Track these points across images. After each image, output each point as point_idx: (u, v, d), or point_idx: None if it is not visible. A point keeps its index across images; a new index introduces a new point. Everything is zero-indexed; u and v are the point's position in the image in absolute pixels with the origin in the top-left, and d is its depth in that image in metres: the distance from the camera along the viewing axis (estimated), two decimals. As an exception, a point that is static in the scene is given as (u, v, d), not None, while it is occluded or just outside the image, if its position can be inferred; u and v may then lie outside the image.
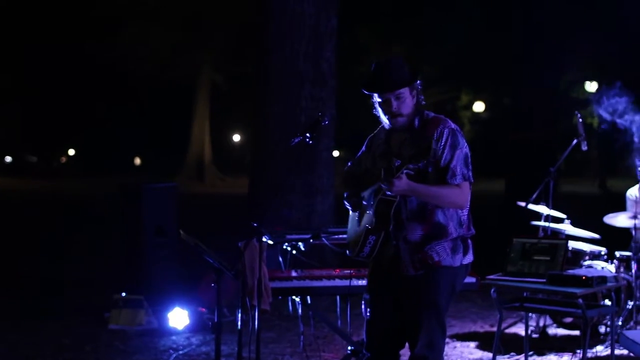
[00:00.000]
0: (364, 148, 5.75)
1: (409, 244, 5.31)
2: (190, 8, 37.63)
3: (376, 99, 5.37)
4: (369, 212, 5.35)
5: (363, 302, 5.64)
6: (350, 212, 5.66)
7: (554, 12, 19.04)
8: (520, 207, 9.31)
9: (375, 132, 5.70)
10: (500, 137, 29.94)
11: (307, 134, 5.74)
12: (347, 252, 5.61)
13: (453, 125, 5.33)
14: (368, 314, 5.54)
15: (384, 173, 5.16)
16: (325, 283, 7.04)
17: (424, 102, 5.45)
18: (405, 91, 5.31)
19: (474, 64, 34.24)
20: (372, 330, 5.57)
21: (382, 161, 5.41)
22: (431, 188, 5.23)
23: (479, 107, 48.28)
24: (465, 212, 5.43)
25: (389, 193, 5.18)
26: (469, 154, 5.36)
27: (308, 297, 7.17)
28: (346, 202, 5.61)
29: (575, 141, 9.25)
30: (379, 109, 5.40)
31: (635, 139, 9.71)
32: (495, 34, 26.96)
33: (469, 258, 5.46)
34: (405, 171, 5.08)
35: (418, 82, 5.41)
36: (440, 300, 5.31)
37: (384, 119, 5.42)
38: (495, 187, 33.50)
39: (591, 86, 29.95)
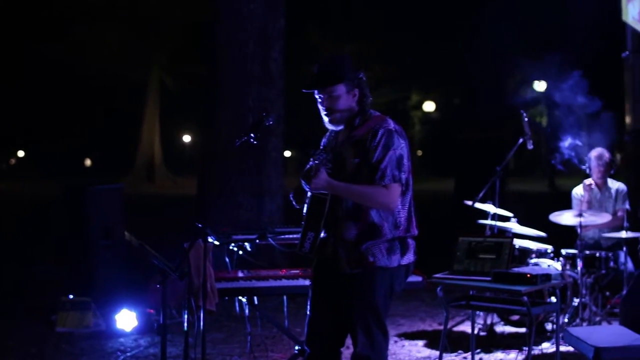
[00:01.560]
0: (321, 146, 5.74)
1: (344, 243, 5.29)
2: (140, 9, 37.43)
3: (316, 96, 5.38)
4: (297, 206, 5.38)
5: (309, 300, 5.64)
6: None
7: (503, 13, 19.19)
8: (468, 206, 9.37)
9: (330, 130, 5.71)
10: (450, 136, 30.09)
11: (252, 134, 5.74)
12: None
13: (392, 126, 5.28)
14: (308, 311, 5.55)
15: (304, 170, 5.19)
16: (272, 283, 7.04)
17: (369, 100, 5.42)
18: (338, 88, 5.28)
19: (425, 64, 34.43)
20: (312, 327, 5.57)
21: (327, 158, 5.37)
22: (353, 187, 5.20)
23: (429, 106, 48.57)
24: (403, 213, 5.37)
25: (319, 193, 5.20)
26: (404, 156, 5.29)
27: (255, 298, 7.15)
28: (291, 197, 5.61)
29: (521, 140, 9.33)
30: (319, 107, 5.41)
31: (579, 142, 9.84)
32: (445, 35, 27.13)
33: (409, 258, 5.42)
34: (323, 168, 5.09)
35: (362, 79, 5.38)
36: (377, 302, 5.29)
37: (323, 117, 5.42)
38: (445, 186, 33.72)
39: (540, 85, 30.15)
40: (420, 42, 31.88)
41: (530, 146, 9.33)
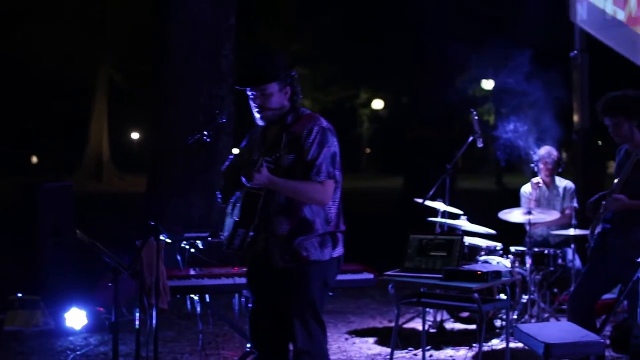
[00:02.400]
0: (244, 142, 5.76)
1: (277, 238, 5.35)
2: (89, 6, 37.09)
3: (248, 93, 5.41)
4: (238, 205, 5.36)
5: (243, 299, 5.66)
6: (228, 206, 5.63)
7: (452, 12, 19.32)
8: (418, 203, 9.44)
9: (255, 127, 5.72)
10: (399, 134, 30.20)
11: (205, 132, 5.74)
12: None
13: (325, 124, 5.37)
14: (245, 311, 5.57)
15: (245, 166, 5.21)
16: (224, 281, 7.05)
17: (299, 99, 5.50)
18: (271, 87, 5.33)
19: (374, 62, 34.50)
20: (254, 326, 5.61)
21: (256, 155, 5.38)
22: (291, 182, 5.25)
23: (377, 104, 48.69)
24: (333, 209, 5.45)
25: (251, 189, 5.22)
26: (337, 153, 5.39)
27: (207, 296, 7.15)
28: (218, 195, 5.60)
29: (471, 138, 9.43)
30: (250, 103, 5.44)
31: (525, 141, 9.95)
32: (394, 34, 27.24)
33: (339, 251, 5.50)
34: (265, 164, 5.12)
35: (294, 77, 5.45)
36: (312, 295, 5.37)
37: (254, 113, 5.45)
38: (394, 184, 33.86)
39: (488, 84, 30.37)
40: (368, 40, 31.94)
41: (480, 144, 9.43)
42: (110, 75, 45.14)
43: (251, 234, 5.32)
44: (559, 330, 6.29)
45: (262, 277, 5.50)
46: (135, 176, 39.87)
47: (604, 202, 6.86)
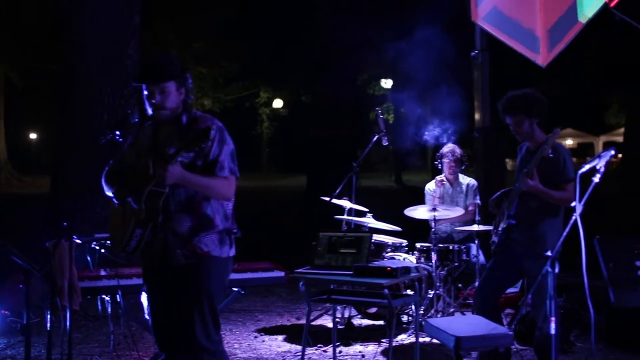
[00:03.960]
0: (127, 144, 5.78)
1: (177, 236, 5.40)
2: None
3: (144, 91, 5.45)
4: (135, 206, 5.32)
5: (140, 300, 5.64)
6: (114, 207, 5.57)
7: (351, 12, 19.44)
8: (323, 201, 9.53)
9: (139, 127, 5.76)
10: (299, 133, 30.30)
11: (117, 132, 5.74)
12: (111, 248, 5.61)
13: (220, 124, 5.50)
14: (148, 311, 5.57)
15: (153, 163, 5.22)
16: (135, 281, 7.03)
17: (191, 101, 5.58)
18: (170, 85, 5.41)
19: (274, 61, 34.55)
20: (156, 326, 5.64)
21: (149, 155, 5.41)
22: (202, 178, 5.35)
23: (277, 104, 48.73)
24: (231, 205, 5.59)
25: (155, 187, 5.23)
26: (235, 151, 5.54)
27: (118, 296, 7.13)
28: (114, 199, 5.57)
29: (376, 137, 9.55)
30: (146, 101, 5.48)
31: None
32: (294, 34, 27.32)
33: (233, 251, 5.63)
34: (179, 159, 5.16)
35: (188, 80, 5.54)
36: (212, 289, 5.45)
37: (149, 110, 5.51)
38: (295, 182, 33.95)
39: (387, 83, 30.69)
40: (268, 39, 31.99)
41: (385, 143, 9.56)
42: (5, 74, 44.23)
43: (149, 233, 5.34)
44: (468, 323, 6.43)
45: (161, 275, 5.51)
46: (34, 177, 39.18)
47: (508, 197, 7.01)
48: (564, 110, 33.69)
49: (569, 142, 59.13)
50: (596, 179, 5.08)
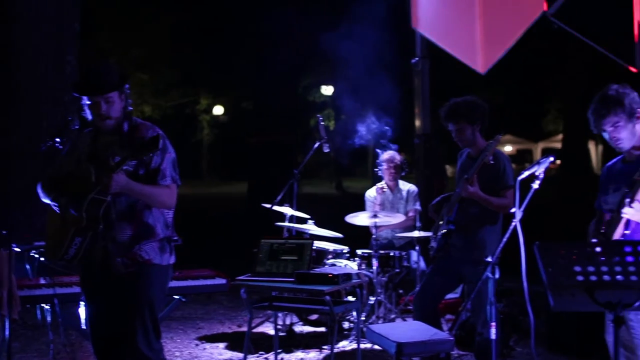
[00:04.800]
0: (65, 151, 5.75)
1: (117, 245, 5.39)
2: None
3: (86, 101, 5.42)
4: (75, 214, 5.28)
5: (78, 310, 5.58)
6: (51, 214, 5.55)
7: (291, 19, 19.48)
8: (264, 208, 9.51)
9: (78, 135, 5.74)
10: (240, 140, 30.24)
11: (57, 139, 5.70)
12: (46, 256, 5.56)
13: (161, 132, 5.50)
14: (87, 321, 5.53)
15: (96, 170, 5.18)
16: (75, 289, 6.95)
17: (131, 108, 5.58)
18: (114, 95, 5.40)
19: (214, 67, 34.44)
20: (95, 335, 5.62)
21: (90, 163, 5.37)
22: (146, 187, 5.35)
23: (218, 110, 48.57)
24: (171, 214, 5.62)
25: (97, 195, 5.19)
26: (176, 159, 5.56)
27: (57, 304, 7.05)
28: (54, 206, 5.52)
29: (318, 143, 9.56)
30: (88, 112, 5.45)
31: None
32: (234, 39, 27.25)
33: (173, 259, 5.64)
34: (124, 167, 5.14)
35: (127, 87, 5.53)
36: (153, 297, 5.45)
37: (89, 117, 5.48)
38: (236, 189, 33.87)
39: (327, 90, 30.72)
40: (208, 46, 31.87)
41: (326, 149, 9.57)
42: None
43: (88, 242, 5.29)
44: (410, 329, 6.47)
45: (101, 283, 5.48)
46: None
47: (446, 203, 7.06)
48: (502, 117, 33.99)
49: (508, 148, 59.66)
50: (535, 185, 5.14)
